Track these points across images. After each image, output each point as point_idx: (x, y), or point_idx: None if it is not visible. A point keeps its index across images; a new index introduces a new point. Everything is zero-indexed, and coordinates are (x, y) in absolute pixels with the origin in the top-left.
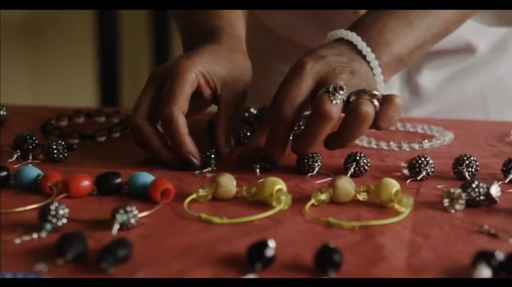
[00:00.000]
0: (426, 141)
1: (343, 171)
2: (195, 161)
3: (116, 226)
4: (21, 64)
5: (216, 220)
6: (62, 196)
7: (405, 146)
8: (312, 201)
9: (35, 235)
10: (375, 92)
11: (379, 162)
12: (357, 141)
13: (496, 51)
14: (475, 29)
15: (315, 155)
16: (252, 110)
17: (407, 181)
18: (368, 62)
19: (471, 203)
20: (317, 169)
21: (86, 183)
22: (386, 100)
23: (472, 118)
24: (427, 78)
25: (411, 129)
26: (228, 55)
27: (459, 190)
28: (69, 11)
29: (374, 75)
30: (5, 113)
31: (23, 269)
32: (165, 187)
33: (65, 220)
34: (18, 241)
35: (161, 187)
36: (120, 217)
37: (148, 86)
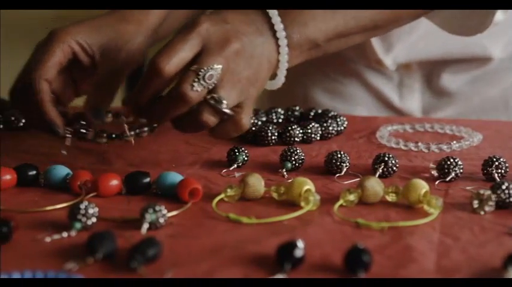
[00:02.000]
0: (455, 142)
1: (371, 172)
2: (58, 129)
3: (145, 225)
4: None
5: (245, 219)
6: (91, 195)
7: (434, 147)
8: (341, 201)
9: (64, 234)
10: (227, 111)
11: (407, 163)
12: (384, 142)
13: None
14: (490, 37)
15: (342, 155)
16: (279, 109)
17: (436, 182)
18: (277, 39)
19: (501, 205)
20: (345, 169)
21: (115, 182)
22: (234, 119)
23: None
24: (448, 81)
25: (440, 131)
26: (115, 24)
27: (489, 192)
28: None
29: (279, 53)
30: None
31: (54, 268)
32: (193, 186)
33: (94, 219)
34: (48, 239)
35: (189, 186)
36: (149, 217)
37: (29, 58)
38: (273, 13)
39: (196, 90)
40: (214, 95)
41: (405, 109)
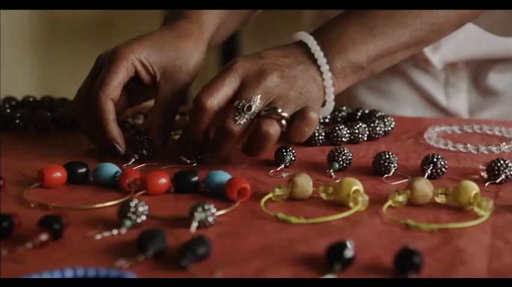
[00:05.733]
0: (504, 144)
1: (420, 173)
2: (119, 148)
3: (195, 224)
4: (92, 64)
5: (293, 219)
6: (140, 193)
7: (483, 149)
8: (389, 202)
9: (115, 232)
10: (283, 113)
11: (456, 164)
12: (433, 143)
13: None
14: None
15: (391, 156)
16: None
17: (486, 184)
18: (318, 66)
19: None
20: (393, 170)
21: (164, 181)
22: (300, 114)
23: None
24: (495, 80)
25: (488, 132)
26: (175, 41)
27: None
28: (136, 11)
29: (323, 79)
30: None
31: (105, 265)
32: (241, 186)
33: (144, 217)
34: (99, 237)
35: (238, 186)
36: (199, 215)
37: (91, 72)
38: (311, 42)
39: (239, 124)
40: (266, 108)
41: (451, 108)
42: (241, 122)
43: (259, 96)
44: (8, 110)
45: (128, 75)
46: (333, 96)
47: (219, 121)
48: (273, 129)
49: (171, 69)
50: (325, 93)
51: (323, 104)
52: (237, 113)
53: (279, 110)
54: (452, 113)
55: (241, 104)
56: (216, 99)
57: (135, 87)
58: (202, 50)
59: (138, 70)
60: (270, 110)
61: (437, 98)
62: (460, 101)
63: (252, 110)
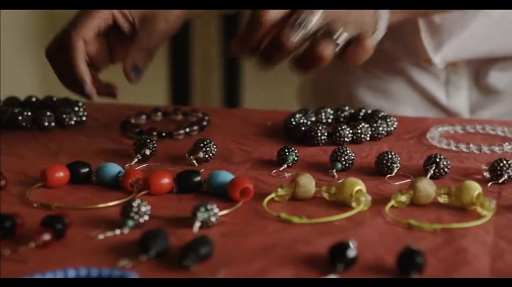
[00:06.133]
0: (507, 144)
1: (422, 173)
2: (86, 87)
3: (197, 224)
4: None
5: (296, 219)
6: (143, 193)
7: (485, 149)
8: (392, 202)
9: (117, 231)
10: (341, 35)
11: (458, 164)
12: (435, 143)
13: None
14: None
15: (393, 156)
16: (329, 110)
17: (489, 184)
18: None
19: None
20: (396, 170)
21: (166, 180)
22: (356, 40)
23: None
24: (496, 79)
25: (491, 132)
26: None
27: None
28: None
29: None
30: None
31: (107, 265)
32: (244, 185)
33: (146, 217)
34: (101, 236)
35: (240, 185)
36: (201, 215)
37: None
38: None
39: (294, 39)
40: (324, 29)
41: (452, 107)
42: (296, 38)
43: (318, 16)
44: (11, 110)
45: (105, 21)
46: (384, 26)
47: (273, 33)
48: (328, 51)
49: (150, 17)
50: (377, 22)
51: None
52: (294, 29)
53: (338, 32)
54: (452, 112)
55: (298, 20)
56: (274, 13)
57: (115, 39)
58: (179, 12)
59: (116, 17)
60: (327, 32)
61: (438, 97)
62: (460, 99)
63: (309, 28)
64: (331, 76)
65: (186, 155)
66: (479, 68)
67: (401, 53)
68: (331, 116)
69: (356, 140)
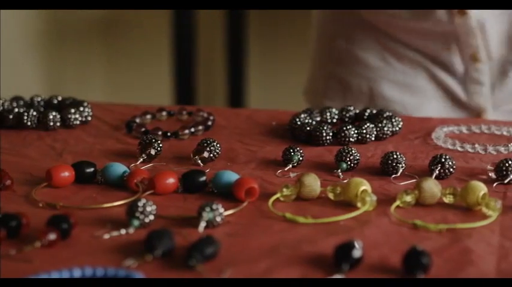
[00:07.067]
0: None
1: (428, 173)
2: None
3: (203, 224)
4: (98, 64)
5: (301, 219)
6: (148, 192)
7: (491, 149)
8: (397, 202)
9: (123, 231)
10: None
11: (464, 164)
12: (440, 144)
13: None
14: None
15: (399, 156)
16: (334, 109)
17: (494, 184)
18: None
19: None
20: (401, 170)
21: (172, 180)
22: None
23: None
24: None
25: (496, 132)
26: None
27: None
28: (145, 11)
29: None
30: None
31: (113, 264)
32: (249, 185)
33: (152, 217)
34: (107, 236)
35: (246, 185)
36: (207, 215)
37: None
38: None
39: None
40: None
41: (473, 103)
42: None
43: None
44: (16, 110)
45: None
46: None
47: None
48: None
49: None
50: None
51: None
52: None
53: None
54: (474, 108)
55: None
56: None
57: None
58: None
59: None
60: None
61: (457, 94)
62: (483, 97)
63: None
64: (348, 69)
65: (191, 155)
66: (501, 65)
67: (440, 48)
68: (336, 116)
69: (361, 140)
